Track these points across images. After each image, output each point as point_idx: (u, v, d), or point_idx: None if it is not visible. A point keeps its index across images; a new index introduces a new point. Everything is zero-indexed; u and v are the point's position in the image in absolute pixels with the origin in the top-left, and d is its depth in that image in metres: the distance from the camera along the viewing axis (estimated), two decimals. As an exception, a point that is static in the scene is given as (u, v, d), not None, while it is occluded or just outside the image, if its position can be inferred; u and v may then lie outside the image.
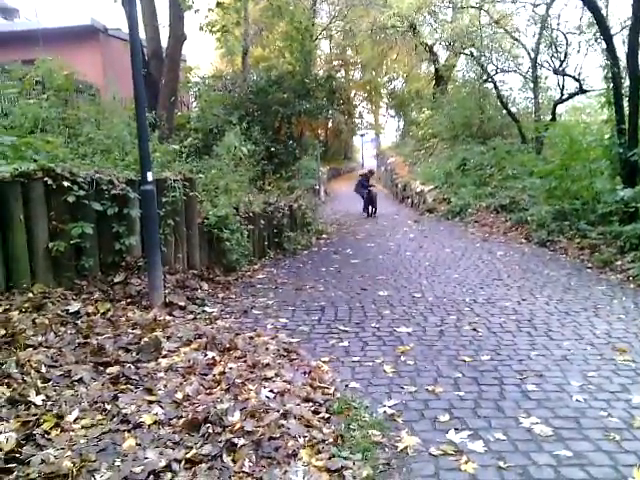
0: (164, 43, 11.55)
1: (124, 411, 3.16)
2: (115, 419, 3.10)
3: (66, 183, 5.09)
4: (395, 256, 9.42)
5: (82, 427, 2.98)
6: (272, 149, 12.89)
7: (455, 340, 4.77)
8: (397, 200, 22.78)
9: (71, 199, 5.10)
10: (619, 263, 7.60)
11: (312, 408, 3.31)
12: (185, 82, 14.48)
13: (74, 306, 4.81)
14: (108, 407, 3.21)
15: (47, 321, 4.38)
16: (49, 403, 3.20)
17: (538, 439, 3.04)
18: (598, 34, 12.13)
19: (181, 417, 3.11)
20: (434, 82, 26.80)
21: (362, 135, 45.78)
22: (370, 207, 16.97)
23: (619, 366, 4.09)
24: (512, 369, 4.07)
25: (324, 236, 11.87)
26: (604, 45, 10.60)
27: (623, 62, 9.56)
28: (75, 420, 3.06)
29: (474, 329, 5.07)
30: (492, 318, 5.44)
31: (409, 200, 20.04)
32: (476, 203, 14.22)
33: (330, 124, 18.04)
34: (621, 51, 9.96)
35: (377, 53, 31.08)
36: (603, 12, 12.10)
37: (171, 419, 3.11)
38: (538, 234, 10.26)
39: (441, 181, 17.46)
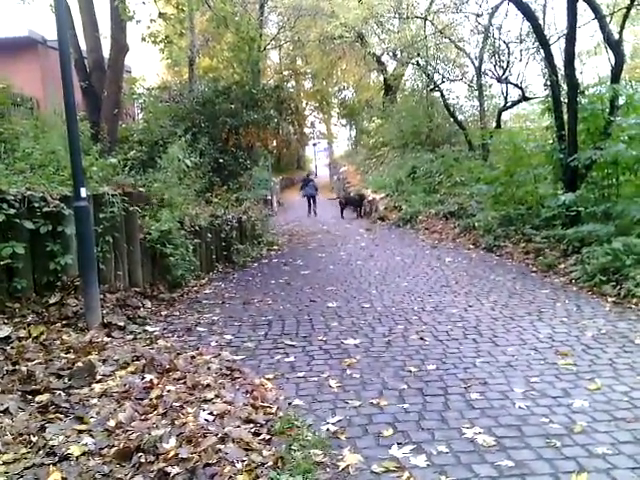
0: (106, 54, 11.27)
1: (51, 442, 2.97)
2: (41, 452, 2.91)
3: (-6, 201, 4.84)
4: (346, 266, 9.40)
5: (3, 463, 2.78)
6: (220, 160, 12.70)
7: (402, 350, 4.74)
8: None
9: (0, 218, 4.85)
10: (562, 266, 7.78)
11: (253, 429, 3.20)
12: (130, 93, 14.16)
13: (4, 330, 4.56)
14: (34, 439, 3.02)
15: (-26, 348, 4.13)
16: (-31, 438, 2.98)
17: (481, 450, 3.01)
18: (537, 43, 12.52)
19: (113, 446, 2.95)
20: (383, 91, 27.17)
21: (314, 144, 45.94)
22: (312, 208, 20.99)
23: (561, 370, 4.13)
24: (457, 378, 4.05)
25: (275, 247, 11.77)
26: (543, 54, 10.93)
27: (562, 70, 9.85)
28: (-3, 456, 2.86)
29: (421, 338, 5.05)
30: (439, 326, 5.45)
31: (361, 209, 20.11)
32: (426, 210, 14.41)
33: (280, 134, 17.96)
34: (559, 59, 10.28)
35: (327, 63, 31.23)
36: (541, 22, 12.48)
37: (102, 449, 2.94)
38: (485, 239, 10.43)
39: (392, 189, 17.65)
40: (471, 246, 10.69)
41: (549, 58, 10.09)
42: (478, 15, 17.61)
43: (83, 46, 11.17)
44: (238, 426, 3.21)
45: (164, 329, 5.49)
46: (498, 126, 16.77)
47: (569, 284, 7.07)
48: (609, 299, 6.11)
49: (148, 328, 5.41)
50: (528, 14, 10.60)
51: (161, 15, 11.83)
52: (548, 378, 3.99)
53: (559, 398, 3.64)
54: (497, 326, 5.35)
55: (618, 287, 6.26)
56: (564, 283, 7.16)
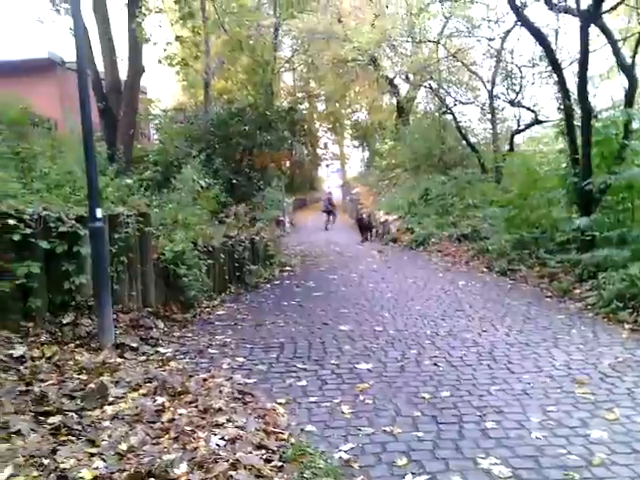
0: (123, 76, 11.46)
1: (62, 466, 2.94)
2: (52, 475, 2.88)
3: (11, 221, 4.88)
4: (358, 288, 9.36)
5: (15, 486, 2.77)
6: (234, 181, 12.80)
7: (415, 376, 4.68)
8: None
9: (17, 237, 4.89)
10: (578, 291, 7.69)
11: (264, 456, 3.16)
12: (146, 114, 14.38)
13: (19, 350, 4.56)
14: (46, 461, 2.99)
15: (-13, 368, 4.14)
16: (-19, 460, 2.97)
17: (497, 481, 2.95)
18: (550, 67, 12.55)
19: (124, 470, 2.91)
20: (396, 114, 27.31)
21: (327, 165, 46.17)
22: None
23: (578, 399, 4.05)
24: (472, 405, 3.99)
25: (287, 268, 11.75)
26: (555, 78, 10.96)
27: (574, 94, 9.85)
28: (8, 478, 2.83)
29: (435, 364, 4.99)
30: (453, 351, 5.39)
31: (374, 230, 20.11)
32: (439, 233, 14.37)
33: (293, 155, 18.18)
34: (572, 83, 10.29)
35: (340, 85, 31.50)
36: (553, 46, 12.51)
37: (113, 473, 2.91)
38: (499, 263, 10.36)
39: (404, 211, 17.64)
40: (485, 269, 10.62)
41: (562, 82, 10.10)
42: (490, 39, 17.71)
43: (100, 68, 11.38)
44: (250, 452, 3.17)
45: (176, 350, 5.48)
46: (511, 149, 16.75)
47: (585, 310, 6.98)
48: (626, 326, 6.02)
49: (160, 349, 5.39)
50: (540, 38, 10.64)
51: (177, 38, 12.06)
52: (565, 407, 3.91)
53: (577, 428, 3.57)
54: (512, 352, 5.28)
55: (635, 314, 6.17)
56: (580, 309, 7.07)
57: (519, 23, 12.53)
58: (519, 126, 17.55)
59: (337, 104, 38.07)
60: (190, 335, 6.15)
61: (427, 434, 3.54)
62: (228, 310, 7.64)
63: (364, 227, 18.93)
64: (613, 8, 10.41)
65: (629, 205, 8.71)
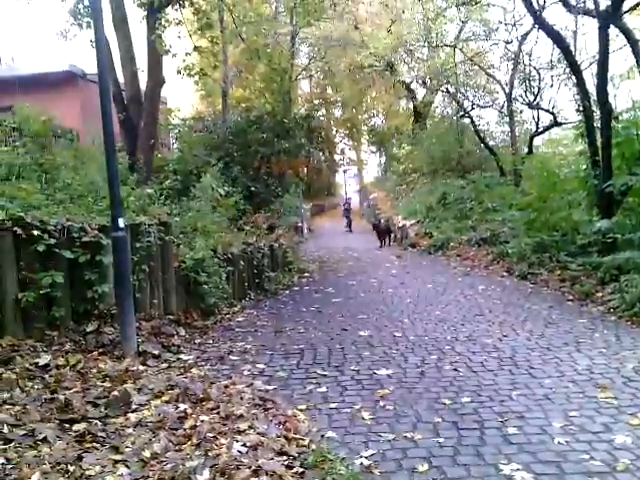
0: (143, 87, 11.63)
1: (88, 472, 3.00)
2: (78, 482, 2.95)
3: (36, 232, 4.99)
4: (377, 293, 9.36)
5: (42, 492, 2.83)
6: (252, 188, 12.90)
7: (436, 381, 4.67)
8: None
9: (41, 248, 4.99)
10: (600, 295, 7.60)
11: (286, 462, 3.18)
12: (165, 124, 14.57)
13: (44, 359, 4.65)
14: (71, 468, 3.05)
15: (14, 376, 4.21)
16: (9, 467, 3.03)
17: (519, 487, 2.94)
18: (568, 69, 12.46)
19: (147, 477, 2.96)
20: (413, 118, 27.33)
21: (345, 171, 46.22)
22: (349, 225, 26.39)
23: (601, 404, 4.01)
24: (493, 411, 3.97)
25: (306, 274, 11.79)
26: (574, 79, 10.87)
27: (594, 95, 9.76)
28: (36, 485, 2.90)
29: (455, 369, 4.97)
30: (473, 356, 5.36)
31: (392, 235, 20.08)
32: (457, 237, 14.31)
33: (311, 162, 18.34)
34: (592, 84, 10.20)
35: (356, 91, 31.65)
36: (572, 48, 12.42)
37: (137, 480, 2.97)
38: (519, 267, 10.28)
39: (423, 215, 17.61)
40: (504, 274, 10.54)
41: (581, 84, 10.03)
42: (508, 42, 17.65)
43: (121, 79, 11.56)
44: (271, 458, 3.19)
45: (198, 357, 5.53)
46: (530, 152, 16.63)
47: (607, 313, 6.90)
48: (650, 329, 5.94)
49: (182, 356, 5.45)
50: (558, 40, 10.58)
51: (196, 49, 12.21)
52: (588, 412, 3.87)
53: (600, 433, 3.53)
54: (533, 357, 5.24)
55: (659, 317, 6.09)
56: (602, 312, 6.99)
57: (537, 26, 12.47)
58: (538, 128, 17.42)
59: (354, 110, 38.22)
60: (211, 342, 6.22)
61: (448, 440, 3.53)
62: (248, 317, 7.69)
63: (382, 232, 18.89)
64: (633, 8, 10.33)
65: (651, 207, 8.61)
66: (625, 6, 9.23)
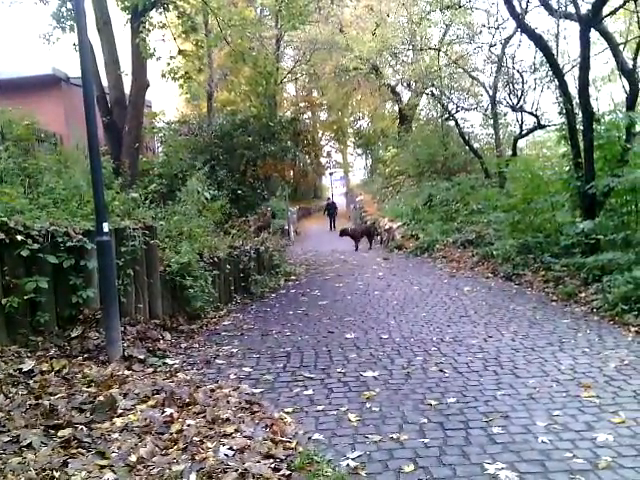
0: (127, 90, 11.58)
1: (73, 478, 2.99)
2: (63, 488, 2.93)
3: (19, 237, 4.96)
4: (363, 296, 9.39)
5: (27, 499, 2.81)
6: (238, 191, 12.88)
7: (421, 383, 4.70)
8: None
9: (25, 253, 4.96)
10: (583, 295, 7.68)
11: (273, 465, 3.19)
12: (150, 128, 14.50)
13: (28, 364, 4.62)
14: (57, 474, 3.03)
15: (-3, 382, 4.19)
16: (-7, 474, 3.01)
17: (504, 486, 2.97)
18: (551, 72, 12.60)
19: (134, 482, 2.96)
20: (398, 121, 27.45)
21: (331, 174, 46.30)
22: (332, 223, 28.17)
23: (584, 403, 4.06)
24: (478, 411, 4.01)
25: (293, 277, 11.79)
26: (557, 82, 10.99)
27: (576, 98, 9.87)
28: (21, 492, 2.88)
29: (441, 370, 5.01)
30: (459, 357, 5.40)
31: (378, 237, 20.14)
32: (443, 239, 14.38)
33: (297, 165, 18.42)
34: (574, 87, 10.31)
35: (342, 94, 31.75)
36: (554, 51, 12.56)
37: (123, 485, 2.95)
38: (504, 268, 10.36)
39: (409, 218, 17.67)
40: (490, 275, 10.62)
41: (563, 86, 10.13)
42: (491, 45, 17.79)
43: (105, 83, 11.49)
44: (258, 461, 3.20)
45: (184, 362, 5.52)
46: (514, 154, 16.76)
47: (590, 313, 6.98)
48: (632, 329, 6.01)
49: (168, 361, 5.44)
50: (540, 44, 10.68)
51: (180, 52, 12.18)
52: (571, 411, 3.93)
53: (583, 432, 3.58)
54: (518, 357, 5.29)
55: (641, 316, 6.17)
56: (585, 312, 7.07)
57: (519, 29, 12.60)
58: (522, 131, 17.56)
59: (340, 113, 38.33)
60: (197, 346, 6.20)
61: (434, 440, 3.56)
62: (234, 320, 7.68)
63: (356, 236, 18.94)
64: (613, 12, 10.46)
65: (633, 208, 8.72)
66: (605, 10, 9.35)
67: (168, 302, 7.00)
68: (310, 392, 4.57)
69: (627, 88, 9.60)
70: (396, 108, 28.45)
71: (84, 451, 3.31)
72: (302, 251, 18.60)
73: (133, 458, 3.18)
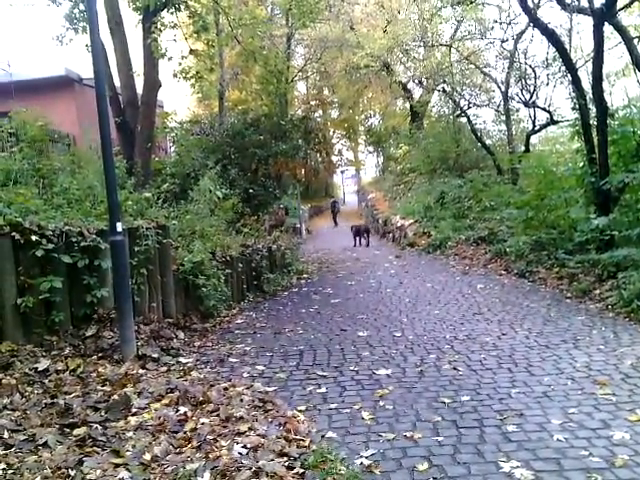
0: (140, 90, 11.63)
1: (89, 477, 3.02)
2: (79, 486, 2.96)
3: (34, 237, 5.00)
4: (376, 293, 9.37)
5: (43, 497, 2.83)
6: (250, 190, 12.90)
7: (435, 381, 4.68)
8: (378, 235, 22.85)
9: (40, 253, 5.00)
10: (597, 292, 7.61)
11: (286, 463, 3.19)
12: (162, 128, 14.55)
13: (43, 364, 4.67)
14: (72, 473, 3.06)
15: (14, 381, 4.23)
16: (10, 472, 3.05)
17: (519, 485, 2.95)
18: (564, 67, 12.48)
19: (148, 480, 2.98)
20: (410, 118, 27.33)
21: (342, 172, 46.26)
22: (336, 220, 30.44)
23: (599, 400, 4.02)
24: (492, 409, 3.98)
25: (305, 276, 11.80)
26: (570, 77, 10.89)
27: (590, 93, 9.77)
28: (37, 490, 2.91)
29: (454, 368, 4.99)
30: (472, 355, 5.37)
31: (390, 235, 20.12)
32: (456, 236, 14.31)
33: (308, 163, 18.46)
34: (587, 82, 10.21)
35: (353, 92, 31.65)
36: (567, 46, 12.45)
37: (138, 483, 2.97)
38: (517, 265, 10.29)
39: (421, 215, 17.59)
40: (503, 272, 10.55)
41: (576, 81, 10.03)
42: (503, 41, 17.69)
43: (117, 83, 11.56)
44: (272, 460, 3.21)
45: (197, 360, 5.54)
46: (527, 150, 16.65)
47: (605, 310, 6.91)
48: (648, 325, 5.96)
49: (181, 359, 5.46)
50: (553, 39, 10.59)
51: (192, 52, 12.21)
52: (586, 409, 3.89)
53: (598, 430, 3.54)
54: (532, 355, 5.25)
55: (657, 313, 6.10)
56: (600, 309, 7.01)
57: (532, 24, 12.48)
58: (534, 127, 17.46)
59: (351, 110, 38.23)
60: (210, 344, 6.23)
61: (448, 439, 3.54)
62: (247, 319, 7.70)
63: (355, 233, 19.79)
64: (627, 6, 10.36)
65: (648, 203, 8.62)
66: (619, 4, 9.25)
67: (181, 301, 7.03)
68: (323, 390, 4.57)
69: (642, 82, 9.50)
70: (407, 105, 28.32)
71: (99, 450, 3.34)
72: (314, 249, 18.61)
73: (147, 457, 3.21)
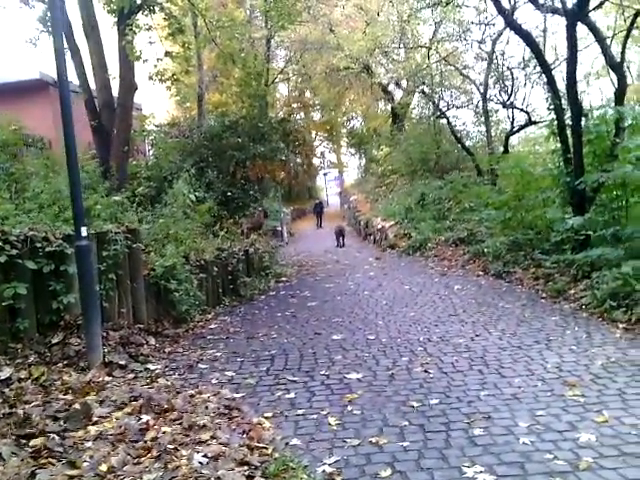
0: (116, 93, 11.48)
1: (41, 490, 2.92)
2: (30, 500, 2.86)
3: (-3, 243, 4.88)
4: (353, 296, 9.33)
5: (-8, 513, 2.74)
6: (228, 193, 12.80)
7: (405, 384, 4.63)
8: (360, 237, 22.85)
9: (3, 259, 4.87)
10: (572, 292, 7.63)
11: (247, 472, 3.11)
12: (140, 131, 14.40)
13: (5, 372, 4.54)
14: (24, 486, 2.97)
15: (-27, 391, 4.11)
16: (-41, 487, 2.94)
17: (481, 490, 2.91)
18: (539, 68, 12.56)
19: (103, 493, 2.89)
20: (391, 120, 27.37)
21: (325, 174, 46.24)
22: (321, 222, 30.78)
23: (568, 402, 4.00)
24: (460, 412, 3.95)
25: (283, 279, 11.73)
26: (545, 78, 10.94)
27: (565, 94, 9.81)
28: (-14, 505, 2.81)
29: (425, 370, 4.95)
30: (445, 357, 5.34)
31: (371, 237, 20.11)
32: (435, 237, 14.32)
33: (287, 165, 18.46)
34: (562, 83, 10.26)
35: (334, 94, 31.65)
36: (542, 47, 12.54)
37: (92, 496, 2.89)
38: (494, 266, 10.31)
39: (401, 217, 17.60)
40: (480, 273, 10.57)
41: (551, 82, 10.08)
42: (481, 42, 17.78)
43: (93, 86, 11.40)
44: (232, 469, 3.13)
45: (166, 367, 5.45)
46: (506, 151, 16.72)
47: (579, 310, 6.93)
48: (620, 325, 5.96)
49: (150, 366, 5.36)
50: (528, 40, 10.64)
51: (167, 54, 12.08)
52: (554, 411, 3.86)
53: (565, 432, 3.52)
54: (504, 356, 5.23)
55: (629, 313, 6.11)
56: (574, 309, 7.02)
57: (508, 26, 12.54)
58: (513, 127, 17.56)
59: (332, 112, 38.23)
60: (181, 350, 6.13)
61: (413, 444, 3.49)
62: (221, 323, 7.61)
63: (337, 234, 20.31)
64: (598, 6, 10.42)
65: (622, 203, 8.65)
66: (592, 4, 9.30)
67: (153, 306, 6.92)
68: (292, 395, 4.50)
69: (615, 83, 9.55)
70: (389, 107, 28.39)
71: (54, 461, 3.24)
72: (295, 252, 18.53)
73: (104, 468, 3.11)
